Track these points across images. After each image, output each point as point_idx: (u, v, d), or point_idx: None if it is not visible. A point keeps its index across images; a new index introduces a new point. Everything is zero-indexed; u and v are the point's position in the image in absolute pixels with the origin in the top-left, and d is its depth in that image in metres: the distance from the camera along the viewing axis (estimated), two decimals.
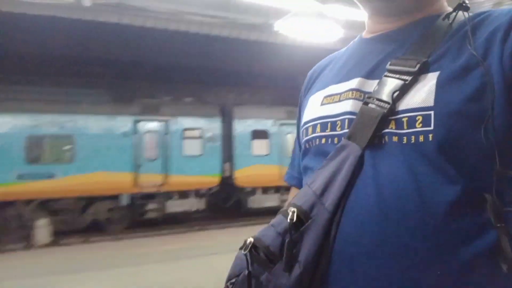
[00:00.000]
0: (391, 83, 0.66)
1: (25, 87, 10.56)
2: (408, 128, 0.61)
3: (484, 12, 0.67)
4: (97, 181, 9.89)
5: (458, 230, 0.57)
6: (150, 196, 10.76)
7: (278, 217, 0.68)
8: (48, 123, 9.78)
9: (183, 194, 11.03)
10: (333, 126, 0.72)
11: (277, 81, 15.13)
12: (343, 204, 0.63)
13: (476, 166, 0.59)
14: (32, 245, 8.85)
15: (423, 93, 0.62)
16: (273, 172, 11.70)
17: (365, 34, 0.83)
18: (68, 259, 7.48)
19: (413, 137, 0.61)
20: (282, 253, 0.63)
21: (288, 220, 0.64)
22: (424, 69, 0.64)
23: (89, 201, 10.12)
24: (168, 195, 10.89)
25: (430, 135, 0.59)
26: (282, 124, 12.15)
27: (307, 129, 0.79)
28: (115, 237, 9.69)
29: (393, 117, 0.63)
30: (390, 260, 0.59)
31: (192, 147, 11.10)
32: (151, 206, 10.81)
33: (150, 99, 11.57)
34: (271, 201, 11.77)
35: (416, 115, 0.61)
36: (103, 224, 10.31)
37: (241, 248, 0.68)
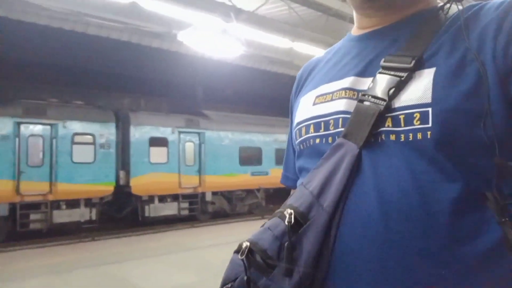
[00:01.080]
0: (386, 80, 0.65)
1: None
2: (405, 126, 0.61)
3: (476, 5, 0.66)
4: None
5: (461, 228, 0.56)
6: (33, 206, 9.88)
7: (274, 220, 0.65)
8: None
9: (73, 204, 10.36)
10: (326, 125, 0.71)
11: (177, 90, 15.11)
12: (342, 205, 0.62)
13: (476, 162, 0.58)
14: None
15: (420, 89, 0.61)
16: (171, 180, 11.67)
17: (354, 31, 0.81)
18: None
19: (410, 134, 0.60)
20: (280, 257, 0.61)
21: (286, 223, 0.62)
22: (420, 65, 0.63)
23: None
24: (56, 204, 10.12)
25: (428, 133, 0.58)
26: (181, 132, 12.19)
27: (300, 130, 0.77)
28: None
29: (390, 115, 0.62)
30: (393, 260, 0.57)
31: (83, 153, 10.50)
32: (35, 216, 9.93)
33: (35, 100, 10.66)
34: (169, 209, 11.71)
35: (414, 112, 0.60)
36: None
37: (236, 252, 0.66)
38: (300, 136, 0.77)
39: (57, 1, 6.41)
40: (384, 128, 0.63)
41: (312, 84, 0.82)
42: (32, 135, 9.96)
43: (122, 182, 11.15)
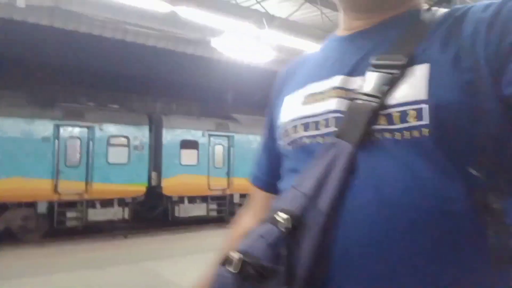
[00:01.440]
0: (378, 78, 0.62)
1: None
2: (400, 123, 0.59)
3: (464, 6, 0.65)
4: (11, 187, 9.32)
5: (463, 228, 0.55)
6: (70, 204, 10.35)
7: (266, 225, 0.61)
8: None
9: (107, 203, 10.77)
10: (316, 125, 0.69)
11: (207, 94, 15.44)
12: (339, 206, 0.59)
13: (475, 160, 0.56)
14: None
15: (414, 86, 0.59)
16: (201, 181, 11.97)
17: (340, 32, 0.78)
18: None
19: (406, 132, 0.58)
20: (276, 267, 0.57)
21: (283, 229, 0.58)
22: (412, 62, 0.61)
23: (2, 208, 9.47)
24: (91, 203, 10.56)
25: (425, 130, 0.57)
26: (211, 135, 12.48)
27: (286, 130, 0.74)
28: (32, 246, 9.15)
29: (384, 112, 0.60)
30: (395, 261, 0.56)
31: (118, 155, 10.92)
32: (71, 214, 10.39)
33: (73, 104, 11.19)
34: (198, 210, 11.99)
35: (409, 109, 0.58)
36: (18, 233, 9.67)
37: (222, 264, 0.60)
38: (287, 136, 0.74)
39: (99, 9, 6.77)
40: (378, 126, 0.60)
41: (297, 83, 0.78)
42: (71, 137, 10.45)
43: (154, 183, 11.52)
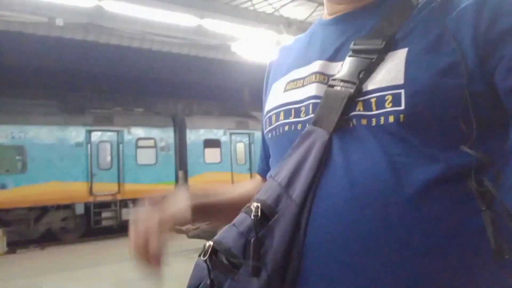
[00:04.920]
0: (356, 63, 0.62)
1: None
2: (377, 109, 0.58)
3: None
4: (51, 190, 10.01)
5: (440, 214, 0.54)
6: (105, 205, 11.01)
7: (240, 215, 0.62)
8: None
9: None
10: (297, 112, 0.68)
11: (226, 93, 15.88)
12: (312, 195, 0.58)
13: (453, 143, 0.56)
14: None
15: (392, 71, 0.58)
16: (225, 178, 12.48)
17: (325, 16, 0.78)
18: (24, 267, 7.65)
19: (382, 118, 0.57)
20: (246, 256, 0.57)
21: (252, 217, 0.58)
22: (391, 46, 0.61)
23: (43, 211, 10.18)
24: (124, 203, 11.17)
25: (401, 116, 0.56)
26: (232, 133, 12.99)
27: (270, 117, 0.74)
28: (72, 244, 9.83)
29: (361, 98, 0.59)
30: (368, 250, 0.54)
31: (146, 156, 11.51)
32: (106, 214, 11.06)
33: (102, 109, 11.83)
34: None
35: (385, 95, 0.57)
36: (58, 234, 10.39)
37: (200, 255, 0.61)
38: (270, 124, 0.74)
39: (129, 24, 7.32)
40: (355, 113, 0.60)
41: (283, 70, 0.78)
42: (101, 141, 11.11)
43: (181, 181, 12.07)
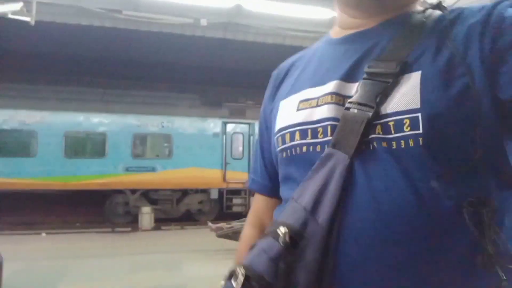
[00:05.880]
0: (372, 86, 0.62)
1: (131, 91, 12.12)
2: (395, 133, 0.58)
3: (456, 9, 0.65)
4: (191, 175, 11.12)
5: (462, 239, 0.55)
6: (236, 192, 11.80)
7: (268, 240, 0.62)
8: (150, 123, 11.17)
9: None
10: (314, 133, 0.67)
11: None
12: (338, 219, 0.59)
13: (471, 169, 0.57)
14: (139, 228, 10.20)
15: (407, 94, 0.59)
16: None
17: (335, 33, 0.77)
18: (167, 242, 8.62)
19: (402, 141, 0.58)
20: (279, 282, 0.58)
21: (282, 243, 0.58)
22: (405, 70, 0.61)
23: (183, 193, 11.39)
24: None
25: (420, 139, 0.57)
26: None
27: (283, 136, 0.73)
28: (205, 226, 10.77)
29: (379, 122, 0.60)
30: (397, 275, 0.56)
31: None
32: (237, 201, 11.84)
33: (236, 103, 12.63)
34: None
35: (403, 118, 0.58)
36: (195, 215, 11.51)
37: (229, 279, 0.62)
38: (284, 143, 0.73)
39: (266, 21, 7.59)
40: (374, 135, 0.60)
41: (293, 87, 0.77)
42: (235, 132, 11.88)
43: None
